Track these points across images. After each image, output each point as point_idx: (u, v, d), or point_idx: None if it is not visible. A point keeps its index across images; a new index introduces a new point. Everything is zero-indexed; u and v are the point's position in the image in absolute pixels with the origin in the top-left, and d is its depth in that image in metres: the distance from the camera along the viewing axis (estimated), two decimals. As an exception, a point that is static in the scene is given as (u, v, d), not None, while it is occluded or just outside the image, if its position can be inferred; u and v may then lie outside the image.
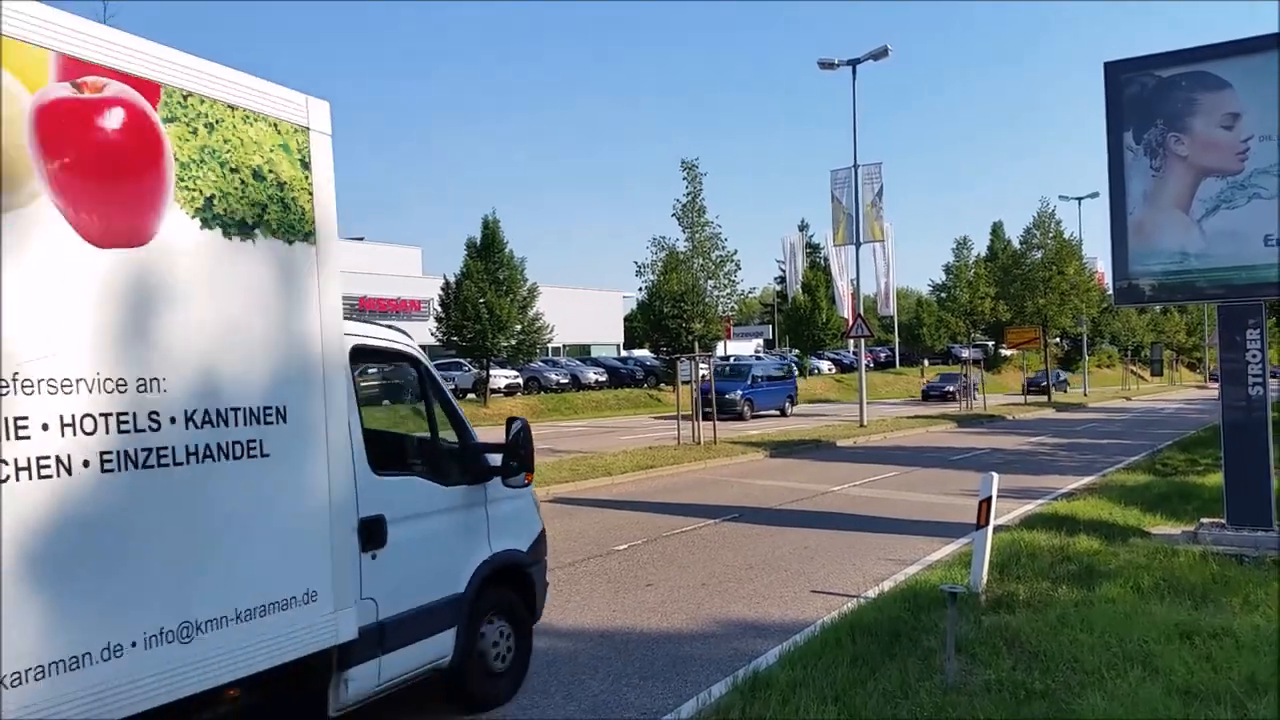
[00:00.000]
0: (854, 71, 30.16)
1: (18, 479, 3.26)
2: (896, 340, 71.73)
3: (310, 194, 4.54)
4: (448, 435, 6.09)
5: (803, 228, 74.57)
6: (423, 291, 54.32)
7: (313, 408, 4.51)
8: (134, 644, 3.60)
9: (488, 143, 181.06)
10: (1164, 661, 6.07)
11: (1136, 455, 21.63)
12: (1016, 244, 49.89)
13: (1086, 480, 17.35)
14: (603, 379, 46.14)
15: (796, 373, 42.06)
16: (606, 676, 6.60)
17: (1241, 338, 10.30)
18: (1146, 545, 10.03)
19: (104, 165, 3.63)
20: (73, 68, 3.51)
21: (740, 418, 33.98)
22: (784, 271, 71.52)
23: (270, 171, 4.32)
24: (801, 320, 62.37)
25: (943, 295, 58.87)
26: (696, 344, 27.36)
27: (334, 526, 4.60)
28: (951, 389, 46.49)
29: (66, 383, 3.43)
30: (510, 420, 6.23)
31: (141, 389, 3.71)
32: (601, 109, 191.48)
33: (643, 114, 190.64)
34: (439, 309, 39.04)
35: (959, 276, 49.10)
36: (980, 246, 61.88)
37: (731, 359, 43.50)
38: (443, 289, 38.89)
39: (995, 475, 8.24)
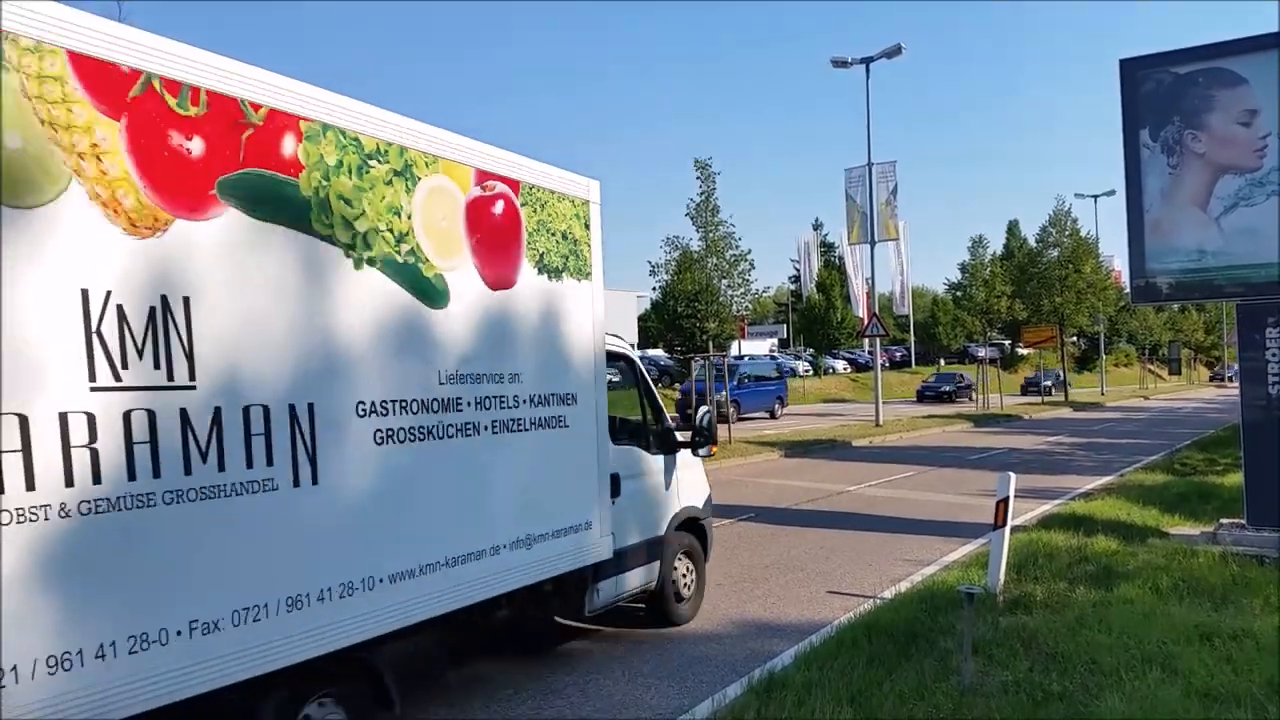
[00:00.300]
0: (867, 70, 30.06)
1: (478, 435, 5.44)
2: (912, 339, 71.46)
3: (589, 246, 6.62)
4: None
5: (817, 226, 74.43)
6: (437, 292, 54.43)
7: (589, 394, 6.56)
8: (503, 547, 5.57)
9: (499, 137, 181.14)
10: (1183, 663, 6.02)
11: (1154, 455, 21.48)
12: (1033, 242, 49.64)
13: (1104, 480, 17.25)
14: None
15: (788, 373, 39.35)
16: (622, 676, 6.59)
17: (1261, 336, 10.20)
18: (1165, 546, 9.96)
19: (496, 237, 5.63)
20: (480, 177, 5.54)
21: (723, 420, 32.20)
22: (798, 271, 71.39)
23: (569, 233, 6.34)
24: (816, 319, 62.29)
25: (959, 294, 58.66)
26: (711, 343, 27.28)
27: (599, 478, 6.62)
28: (948, 389, 45.87)
29: (478, 376, 5.45)
30: (699, 406, 9.14)
31: (511, 380, 5.72)
32: (612, 109, 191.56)
33: (655, 113, 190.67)
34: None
35: (975, 275, 48.89)
36: (996, 245, 61.70)
37: (737, 356, 42.55)
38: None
39: (1013, 475, 8.19)
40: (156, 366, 3.73)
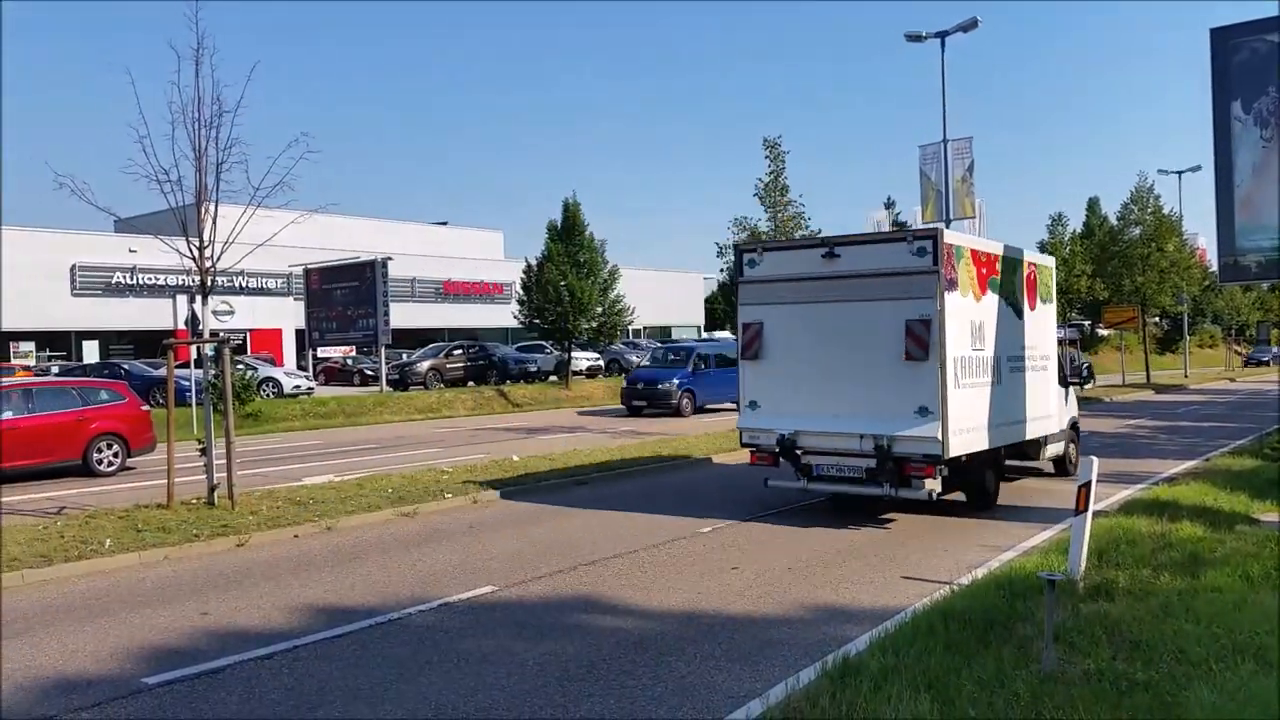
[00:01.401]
0: (943, 43, 29.34)
1: (1030, 371, 13.44)
2: (987, 320, 69.80)
3: (1051, 288, 14.45)
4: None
5: (889, 205, 73.10)
6: (505, 275, 54.89)
7: (1053, 356, 14.48)
8: (1022, 420, 13.00)
9: (568, 122, 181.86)
10: (1278, 654, 5.80)
11: (1242, 439, 20.75)
12: (1113, 220, 48.19)
13: (1188, 464, 16.72)
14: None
15: None
16: (693, 658, 6.58)
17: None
18: (1255, 533, 9.61)
19: (1031, 289, 13.69)
20: (1029, 266, 13.74)
21: (678, 413, 28.05)
22: (869, 251, 70.27)
23: (1048, 282, 14.28)
24: (887, 300, 61.19)
25: (1035, 274, 57.19)
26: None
27: (1057, 395, 14.52)
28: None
29: (1030, 346, 13.56)
30: (1086, 363, 18.44)
31: (1037, 348, 13.70)
32: (682, 89, 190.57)
33: (724, 94, 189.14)
34: (521, 292, 39.35)
35: (1054, 254, 47.50)
36: (1075, 223, 60.02)
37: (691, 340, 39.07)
38: (524, 272, 39.17)
39: (1094, 460, 7.96)
40: (976, 345, 11.59)
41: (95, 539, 10.12)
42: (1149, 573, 8.06)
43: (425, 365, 36.74)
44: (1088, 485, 7.83)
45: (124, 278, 43.35)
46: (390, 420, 28.52)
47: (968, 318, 11.34)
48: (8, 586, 8.69)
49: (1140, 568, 8.24)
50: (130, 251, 41.82)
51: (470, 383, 36.79)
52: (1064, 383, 14.77)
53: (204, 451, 12.34)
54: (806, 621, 7.53)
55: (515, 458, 17.08)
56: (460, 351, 38.78)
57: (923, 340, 10.63)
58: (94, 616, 7.80)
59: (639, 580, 8.83)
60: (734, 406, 27.16)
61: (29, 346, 40.87)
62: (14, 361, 37.58)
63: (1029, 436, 13.17)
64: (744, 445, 12.61)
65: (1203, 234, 64.21)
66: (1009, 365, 12.41)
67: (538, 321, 38.01)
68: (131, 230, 35.11)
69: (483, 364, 38.31)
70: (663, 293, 64.07)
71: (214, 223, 12.14)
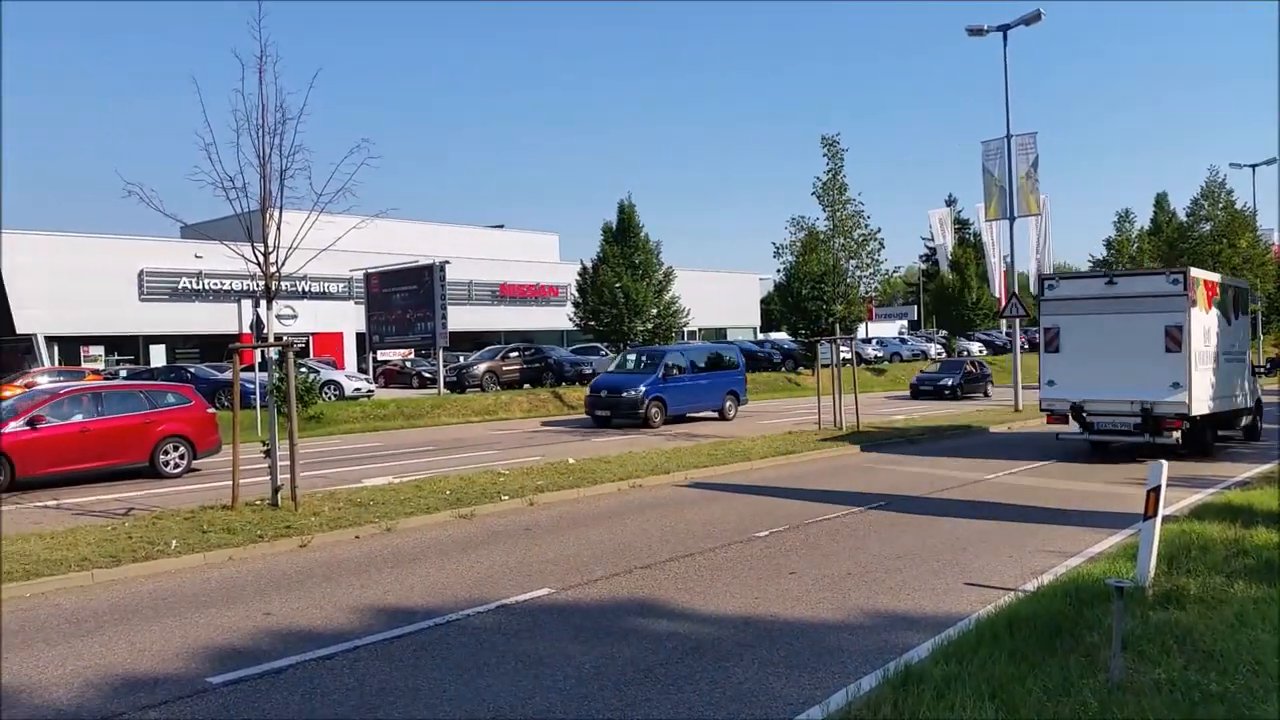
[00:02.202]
0: (1005, 37, 28.96)
1: (1232, 364, 19.19)
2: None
3: (1240, 302, 20.05)
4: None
5: (950, 203, 72.22)
6: (560, 277, 55.22)
7: (1246, 352, 20.17)
8: (1230, 396, 18.63)
9: (624, 123, 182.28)
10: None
11: (1320, 441, 20.05)
12: (1183, 216, 46.98)
13: (1263, 468, 16.18)
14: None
15: (743, 362, 30.44)
16: (751, 664, 6.52)
17: None
18: (1336, 539, 9.27)
19: (1226, 304, 19.01)
20: (1208, 285, 17.87)
21: (646, 424, 25.60)
22: (930, 250, 69.37)
23: (1246, 297, 20.93)
24: (950, 300, 60.43)
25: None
26: (837, 326, 26.75)
27: (1249, 381, 20.20)
28: (950, 382, 37.48)
29: (1240, 345, 20.19)
30: (1269, 360, 34.60)
31: (1238, 346, 19.45)
32: (738, 86, 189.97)
33: (780, 91, 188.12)
34: (576, 294, 39.54)
35: (1121, 251, 46.51)
36: (1143, 219, 58.59)
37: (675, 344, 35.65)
38: (580, 274, 39.38)
39: (1164, 463, 7.73)
40: (1205, 343, 17.53)
41: (162, 540, 10.35)
42: (1222, 580, 7.81)
43: (482, 368, 37.07)
44: (1157, 489, 7.61)
45: (190, 283, 44.42)
46: (448, 422, 28.81)
47: (1201, 325, 17.21)
48: (80, 585, 8.94)
49: (1212, 575, 8.00)
50: (196, 257, 42.82)
51: (526, 385, 36.99)
52: (1253, 373, 21.07)
53: (268, 453, 12.56)
54: (867, 628, 7.42)
55: (571, 460, 17.13)
56: (516, 354, 39.06)
57: (1176, 339, 16.66)
58: (160, 616, 7.97)
59: (694, 584, 8.78)
60: (714, 415, 27.62)
61: (98, 350, 42.13)
62: (84, 365, 38.75)
63: (1233, 408, 19.07)
64: (1043, 410, 18.67)
65: (1277, 230, 62.18)
66: (1224, 358, 18.33)
67: (593, 323, 38.20)
68: (197, 236, 35.95)
69: (538, 366, 38.48)
70: (718, 294, 63.93)
71: (278, 228, 12.36)
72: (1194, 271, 17.40)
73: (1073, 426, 18.07)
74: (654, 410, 25.95)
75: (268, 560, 10.06)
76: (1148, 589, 7.54)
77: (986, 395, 37.24)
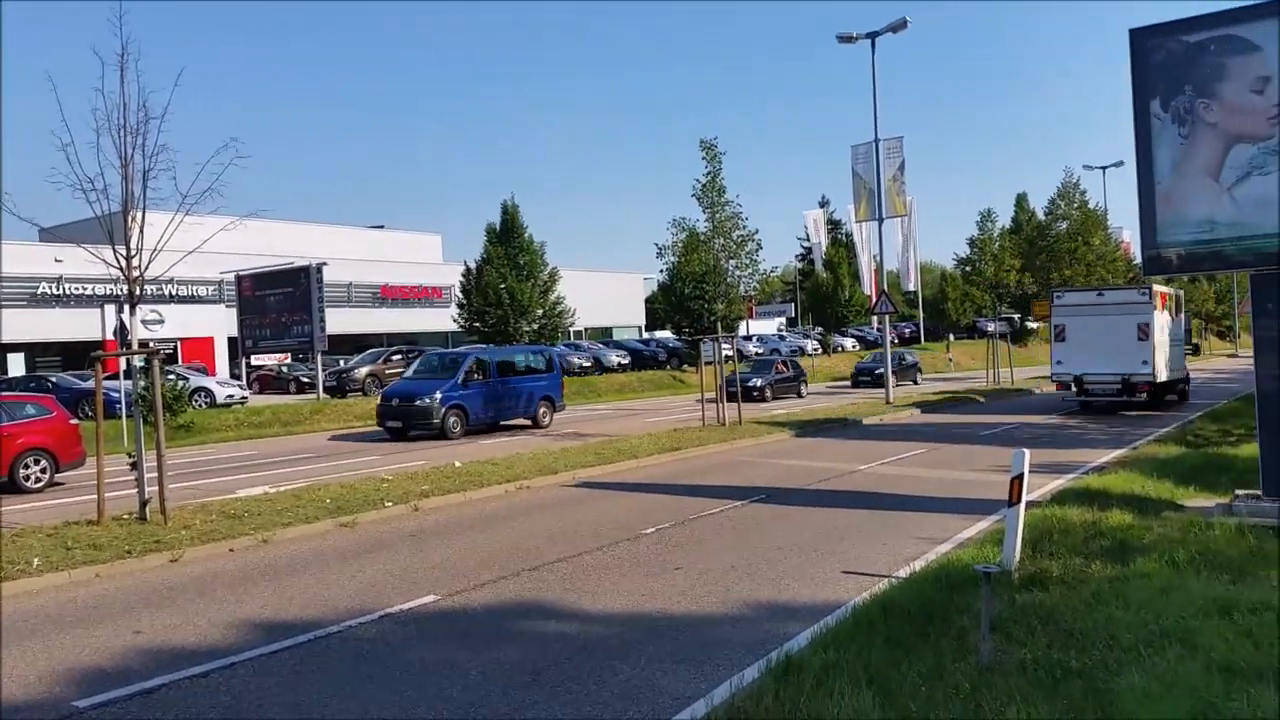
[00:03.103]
0: (873, 44, 29.90)
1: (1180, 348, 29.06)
2: (921, 315, 71.19)
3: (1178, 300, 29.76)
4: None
5: (823, 204, 73.90)
6: (444, 278, 54.44)
7: (1181, 338, 29.82)
8: (1178, 369, 28.47)
9: (505, 125, 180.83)
10: (1203, 638, 5.99)
11: (1167, 427, 21.38)
12: (1041, 215, 49.40)
13: (1117, 453, 17.17)
14: (625, 361, 46.13)
15: (559, 364, 28.52)
16: (638, 660, 6.59)
17: (1275, 305, 10.11)
18: (1181, 519, 9.91)
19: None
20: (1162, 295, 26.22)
21: (443, 435, 23.09)
22: (806, 249, 71.05)
23: (1181, 301, 31.48)
24: (824, 298, 61.97)
25: (967, 269, 58.37)
26: (719, 324, 27.18)
27: (1180, 358, 28.74)
28: (759, 383, 36.23)
29: (1181, 334, 30.65)
30: (1194, 344, 55.07)
31: (1178, 332, 28.72)
32: (617, 91, 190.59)
33: (660, 95, 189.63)
34: (460, 295, 39.10)
35: (983, 249, 48.74)
36: (1004, 218, 61.30)
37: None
38: (463, 275, 38.97)
39: (1026, 452, 8.13)
40: (1161, 334, 25.37)
41: (23, 558, 9.80)
42: (1081, 561, 8.26)
43: (364, 371, 36.27)
44: (1020, 477, 8.00)
45: (50, 288, 42.10)
46: (328, 428, 28.08)
47: (1159, 322, 24.92)
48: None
49: (1073, 557, 8.44)
50: (56, 261, 40.61)
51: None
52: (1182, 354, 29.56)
53: (134, 465, 12.04)
54: (750, 619, 7.59)
55: (457, 464, 16.94)
56: (400, 357, 38.31)
57: (1145, 332, 24.33)
58: (21, 639, 7.56)
59: (582, 584, 8.81)
60: (526, 422, 25.56)
61: (-51, 360, 39.51)
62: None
63: (1176, 378, 27.21)
64: (1053, 381, 27.06)
65: (1127, 228, 65.98)
66: (1171, 344, 26.32)
67: (478, 324, 37.85)
68: (56, 239, 34.05)
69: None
70: (603, 293, 64.05)
71: (141, 231, 11.86)
72: (1156, 286, 24.90)
73: (1072, 392, 26.50)
74: (452, 419, 23.28)
75: (137, 577, 9.64)
76: (1013, 572, 7.91)
77: (800, 395, 36.21)
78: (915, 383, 42.11)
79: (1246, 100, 10.13)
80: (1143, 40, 10.71)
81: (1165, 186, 10.56)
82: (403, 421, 23.67)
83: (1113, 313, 25.22)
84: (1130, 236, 63.64)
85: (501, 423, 25.46)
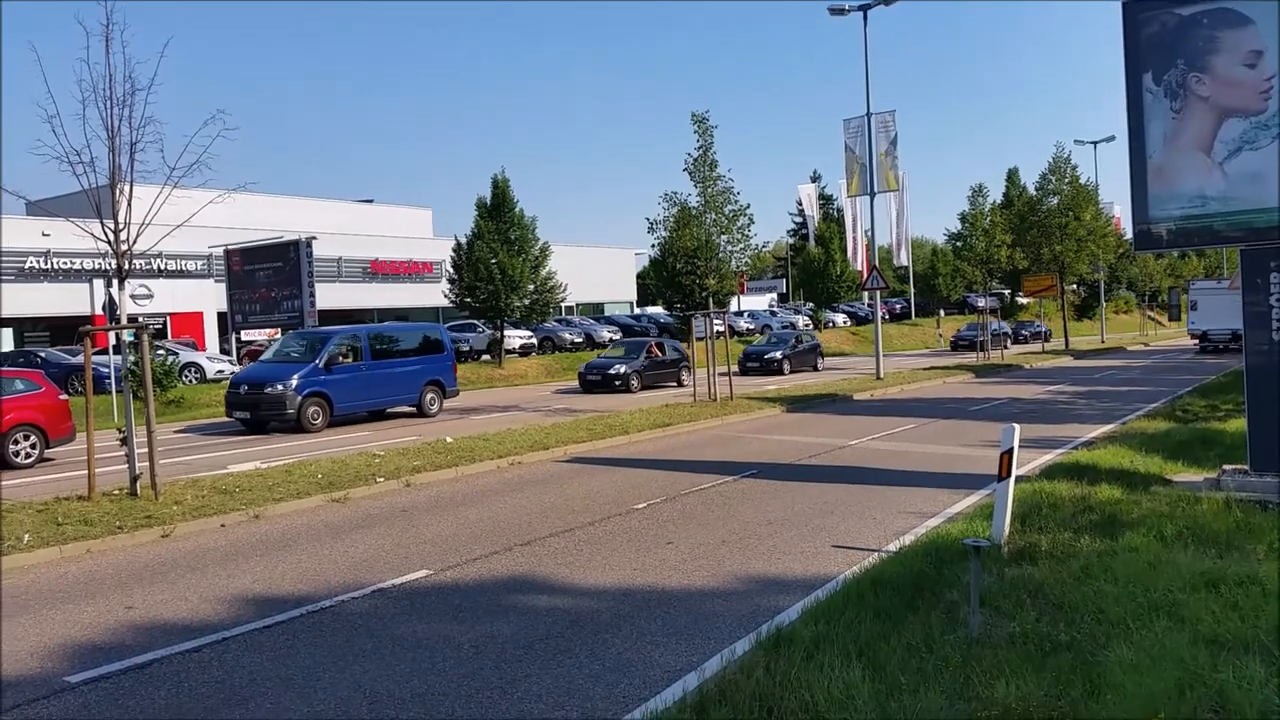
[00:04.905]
0: (865, 16, 29.68)
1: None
2: (912, 291, 71.27)
3: None
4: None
5: (815, 179, 73.99)
6: (434, 253, 54.13)
7: None
8: None
9: (497, 100, 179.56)
10: (1190, 611, 6.04)
11: (1156, 402, 21.49)
12: (1032, 190, 49.31)
13: (1106, 428, 17.26)
14: (617, 337, 46.01)
15: (449, 345, 25.14)
16: (630, 634, 6.62)
17: (1265, 281, 10.13)
18: (1169, 493, 9.97)
19: None
20: None
21: (299, 426, 20.11)
22: (797, 225, 70.99)
23: None
24: (816, 273, 62.06)
25: (958, 244, 58.18)
26: (711, 300, 27.14)
27: None
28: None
29: None
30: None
31: None
32: (611, 61, 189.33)
33: (654, 68, 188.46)
34: (451, 271, 38.93)
35: (975, 225, 48.41)
36: (996, 193, 61.22)
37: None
38: (454, 250, 38.75)
39: (1016, 427, 8.17)
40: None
41: (13, 534, 9.78)
42: (1070, 536, 8.31)
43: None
44: (1010, 451, 8.03)
45: (38, 262, 41.76)
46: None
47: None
48: (-82, 587, 8.38)
49: (1061, 531, 8.49)
50: (44, 235, 40.29)
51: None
52: None
53: (125, 441, 12.00)
54: (741, 593, 7.62)
55: (449, 439, 16.94)
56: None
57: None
58: (13, 615, 7.56)
59: (574, 559, 8.84)
60: (411, 410, 22.61)
61: (-63, 336, 39.29)
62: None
63: None
64: (1190, 334, 44.56)
65: (1118, 203, 66.04)
66: None
67: (469, 300, 37.68)
68: (44, 213, 33.81)
69: None
70: (595, 269, 63.84)
71: (129, 204, 11.76)
72: None
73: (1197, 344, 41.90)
74: (311, 409, 20.22)
75: (128, 552, 9.63)
76: (1003, 547, 7.96)
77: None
78: (815, 369, 36.69)
79: (1239, 74, 10.10)
80: (1135, 13, 10.66)
81: (1157, 160, 10.55)
82: (251, 411, 20.47)
83: (1225, 293, 35.26)
84: (1121, 211, 63.84)
85: (384, 411, 23.02)
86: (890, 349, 46.82)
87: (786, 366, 35.44)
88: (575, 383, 31.57)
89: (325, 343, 21.45)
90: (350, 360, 21.57)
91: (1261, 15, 9.95)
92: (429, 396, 23.16)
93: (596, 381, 29.76)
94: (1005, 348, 42.74)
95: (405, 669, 6.06)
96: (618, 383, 29.29)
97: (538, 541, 9.56)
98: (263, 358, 23.68)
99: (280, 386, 20.17)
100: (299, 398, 20.14)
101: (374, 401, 22.25)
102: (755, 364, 35.14)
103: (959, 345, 48.18)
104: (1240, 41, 10.07)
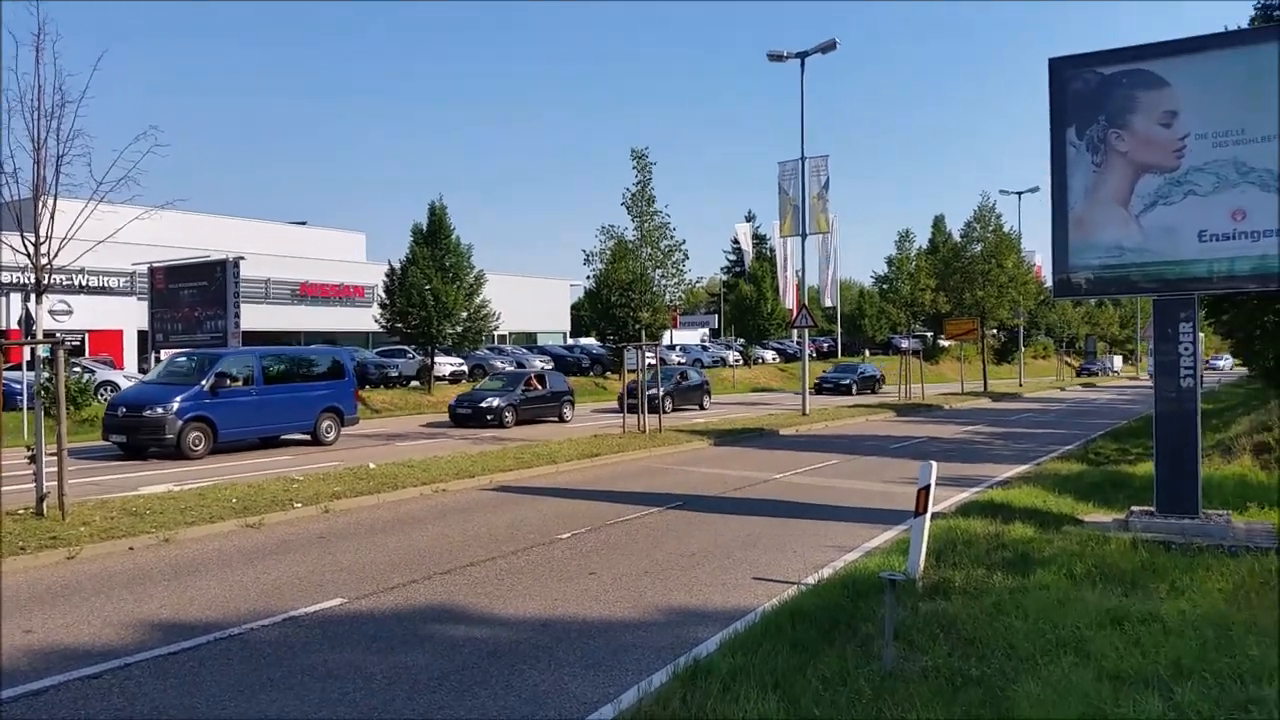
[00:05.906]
0: (802, 64, 30.32)
1: None
2: (839, 331, 72.48)
3: None
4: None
5: (750, 218, 75.00)
6: (367, 278, 53.54)
7: None
8: None
9: (435, 129, 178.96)
10: (1095, 647, 6.20)
11: (1070, 445, 22.11)
12: (957, 237, 50.58)
13: (1021, 469, 17.68)
14: (549, 367, 45.94)
15: (350, 369, 23.75)
16: (548, 666, 6.55)
17: (1174, 330, 10.54)
18: (1079, 533, 10.24)
19: None
20: None
21: (180, 453, 18.82)
22: (732, 262, 71.81)
23: None
24: (748, 310, 62.67)
25: (885, 286, 59.38)
26: (644, 333, 27.22)
27: None
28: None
29: None
30: None
31: None
32: (551, 97, 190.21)
33: (593, 103, 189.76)
34: (383, 295, 38.50)
35: (901, 268, 49.52)
36: (922, 239, 62.68)
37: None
38: (387, 275, 38.35)
39: (934, 464, 8.34)
40: None
41: (-97, 554, 9.35)
42: (983, 572, 8.48)
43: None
44: (927, 488, 8.19)
45: (-53, 273, 40.33)
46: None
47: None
48: None
49: (975, 567, 8.67)
50: (-46, 245, 38.91)
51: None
52: None
53: (33, 459, 11.59)
54: (661, 624, 7.60)
55: (371, 465, 16.67)
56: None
57: None
58: (-101, 638, 7.21)
59: (494, 589, 8.74)
60: (306, 438, 21.16)
61: None
62: None
63: None
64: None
65: (1039, 251, 68.11)
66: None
67: (400, 325, 37.24)
68: (-46, 222, 32.67)
69: None
70: (529, 298, 63.75)
71: (52, 217, 11.44)
72: None
73: None
74: (193, 435, 18.95)
75: (30, 574, 9.26)
76: (918, 581, 8.09)
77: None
78: (702, 407, 35.14)
79: (1155, 132, 10.56)
80: (1061, 70, 11.09)
81: (1078, 212, 10.95)
82: (129, 435, 19.08)
83: None
84: (1042, 260, 65.79)
85: (277, 438, 21.64)
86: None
87: (668, 404, 30.37)
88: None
89: (213, 364, 20.05)
90: (240, 384, 20.35)
91: (1177, 78, 10.44)
92: (325, 424, 21.84)
93: (467, 415, 27.29)
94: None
95: (314, 699, 5.91)
96: (489, 417, 26.98)
97: (458, 570, 9.43)
98: (145, 379, 22.42)
99: (160, 410, 18.84)
100: (179, 422, 18.84)
101: (265, 428, 20.99)
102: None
103: (824, 388, 44.87)
104: (1157, 102, 10.54)
